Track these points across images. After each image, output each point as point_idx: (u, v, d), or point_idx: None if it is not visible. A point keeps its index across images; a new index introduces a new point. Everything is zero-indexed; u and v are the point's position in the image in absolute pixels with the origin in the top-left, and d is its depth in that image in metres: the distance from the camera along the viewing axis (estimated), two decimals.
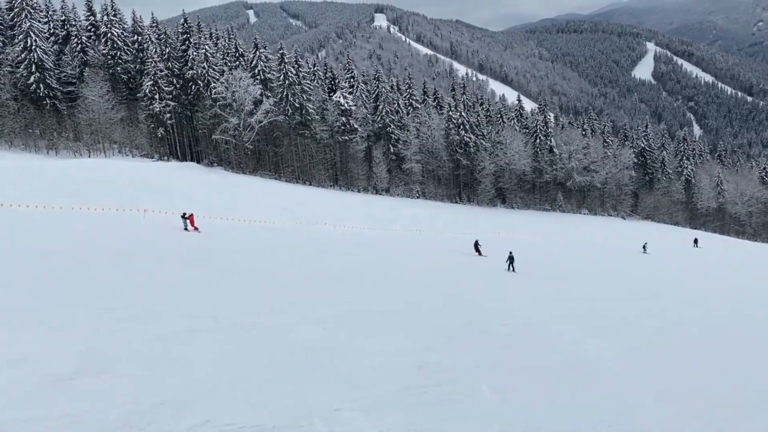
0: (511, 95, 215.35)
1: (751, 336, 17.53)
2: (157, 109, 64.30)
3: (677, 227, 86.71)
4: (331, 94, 74.28)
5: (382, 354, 12.22)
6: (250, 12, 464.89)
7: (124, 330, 11.38)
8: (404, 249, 33.05)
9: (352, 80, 79.45)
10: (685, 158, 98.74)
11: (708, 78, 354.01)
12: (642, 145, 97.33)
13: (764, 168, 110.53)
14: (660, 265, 39.57)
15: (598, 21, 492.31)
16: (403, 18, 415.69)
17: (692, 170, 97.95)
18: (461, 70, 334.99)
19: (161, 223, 28.23)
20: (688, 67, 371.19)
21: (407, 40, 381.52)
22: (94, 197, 31.60)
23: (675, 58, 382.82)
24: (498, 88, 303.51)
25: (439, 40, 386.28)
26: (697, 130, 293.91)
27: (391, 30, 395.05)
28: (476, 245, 34.57)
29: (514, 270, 28.79)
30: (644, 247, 49.14)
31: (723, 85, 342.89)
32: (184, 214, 29.03)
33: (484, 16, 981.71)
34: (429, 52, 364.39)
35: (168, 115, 65.58)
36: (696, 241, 58.44)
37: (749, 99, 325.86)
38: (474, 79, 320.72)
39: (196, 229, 28.87)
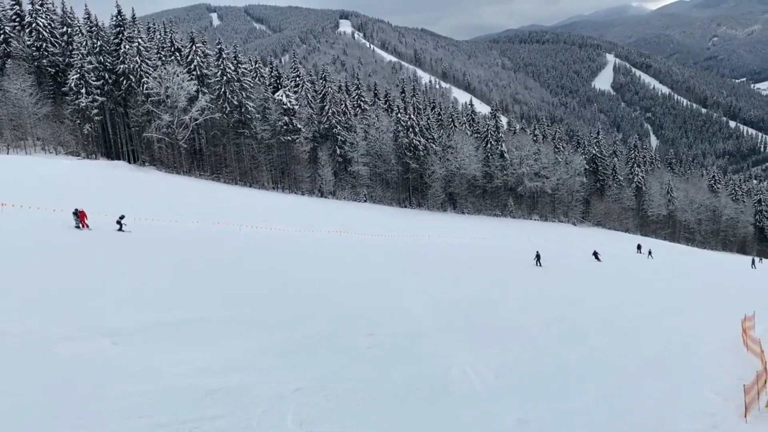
0: (474, 104, 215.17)
1: (647, 355, 15.38)
2: (84, 104, 60.49)
3: (627, 234, 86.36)
4: (275, 93, 71.40)
5: (174, 374, 9.65)
6: (214, 15, 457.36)
7: None
8: (306, 250, 30.51)
9: (297, 79, 76.79)
10: (635, 165, 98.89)
11: (665, 90, 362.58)
12: (593, 151, 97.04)
13: (713, 176, 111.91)
14: (595, 271, 37.93)
15: (560, 32, 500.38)
16: (368, 25, 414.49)
17: (643, 177, 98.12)
18: (425, 77, 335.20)
19: (25, 220, 25.11)
20: (646, 78, 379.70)
21: (371, 46, 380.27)
22: None
23: (633, 69, 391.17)
24: (461, 96, 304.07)
25: (404, 47, 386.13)
26: (654, 140, 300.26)
27: (356, 36, 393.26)
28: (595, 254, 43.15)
29: (540, 265, 35.78)
30: (649, 252, 52.73)
31: (679, 97, 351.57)
32: (76, 210, 26.91)
33: (450, 26, 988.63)
34: (393, 59, 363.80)
35: (95, 110, 61.80)
36: (639, 247, 57.47)
37: (703, 111, 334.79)
38: (437, 86, 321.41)
39: (86, 226, 26.89)
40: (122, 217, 28.29)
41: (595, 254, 43.90)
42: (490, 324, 16.99)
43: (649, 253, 52.90)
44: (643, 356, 15.23)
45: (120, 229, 27.77)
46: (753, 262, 58.06)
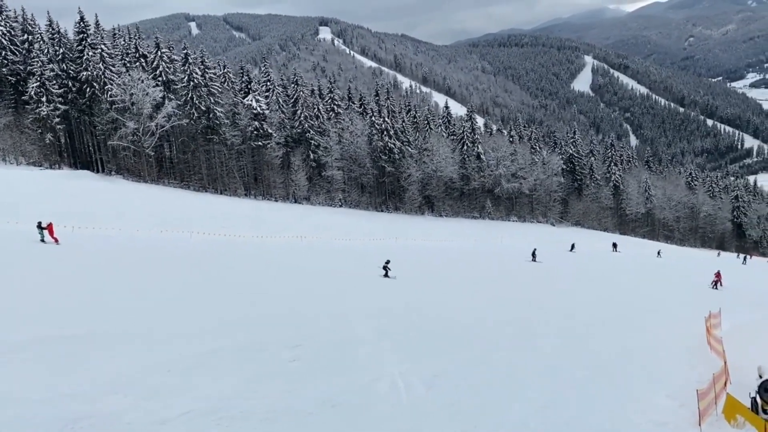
0: (454, 107, 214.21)
1: (603, 359, 14.29)
2: (45, 113, 58.65)
3: (606, 233, 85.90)
4: (245, 98, 69.95)
5: (36, 401, 8.28)
6: (192, 24, 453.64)
7: None
8: (256, 256, 29.20)
9: (268, 83, 75.40)
10: (612, 164, 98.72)
11: (643, 90, 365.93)
12: (570, 151, 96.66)
13: (690, 173, 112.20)
14: (565, 270, 37.00)
15: (538, 35, 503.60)
16: (348, 31, 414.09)
17: (620, 176, 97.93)
18: (405, 82, 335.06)
19: None
20: (624, 79, 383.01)
21: (351, 52, 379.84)
22: None
23: (612, 70, 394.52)
24: (441, 100, 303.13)
25: (384, 53, 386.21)
26: (633, 140, 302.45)
27: (336, 43, 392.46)
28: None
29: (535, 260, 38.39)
30: (658, 252, 54.79)
31: (657, 97, 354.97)
32: (40, 223, 25.02)
33: (430, 31, 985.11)
34: (373, 64, 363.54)
35: (58, 119, 59.98)
36: (615, 245, 56.87)
37: (681, 110, 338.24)
38: (418, 91, 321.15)
39: (55, 240, 25.07)
40: (388, 262, 25.81)
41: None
42: (437, 329, 15.81)
43: (658, 253, 55.01)
44: (599, 359, 14.14)
45: (386, 275, 25.29)
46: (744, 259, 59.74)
